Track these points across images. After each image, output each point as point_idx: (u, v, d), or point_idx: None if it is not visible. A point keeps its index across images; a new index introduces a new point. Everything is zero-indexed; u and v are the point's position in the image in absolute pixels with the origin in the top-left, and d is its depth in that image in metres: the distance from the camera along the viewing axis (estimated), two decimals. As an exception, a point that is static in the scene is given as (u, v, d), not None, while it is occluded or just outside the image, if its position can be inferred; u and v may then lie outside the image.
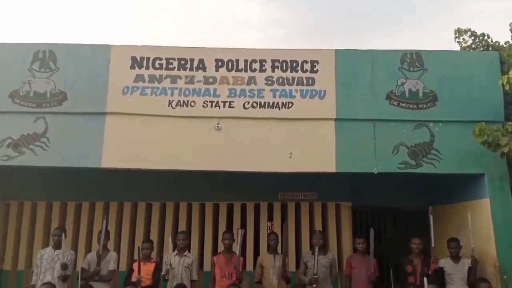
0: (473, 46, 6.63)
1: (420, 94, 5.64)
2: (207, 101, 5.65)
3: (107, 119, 5.61)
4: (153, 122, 5.61)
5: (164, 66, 5.73)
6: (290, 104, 5.61)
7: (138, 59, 5.73)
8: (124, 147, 5.52)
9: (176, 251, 5.38)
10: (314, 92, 5.61)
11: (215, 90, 5.67)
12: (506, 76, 5.02)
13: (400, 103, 5.61)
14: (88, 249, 6.45)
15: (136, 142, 5.54)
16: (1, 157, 5.44)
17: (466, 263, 5.19)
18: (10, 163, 5.47)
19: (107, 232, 5.65)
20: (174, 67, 5.73)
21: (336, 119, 5.57)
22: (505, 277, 4.61)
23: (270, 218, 6.97)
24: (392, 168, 5.48)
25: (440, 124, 5.58)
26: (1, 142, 5.46)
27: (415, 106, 5.61)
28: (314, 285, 5.18)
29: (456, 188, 6.15)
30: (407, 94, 5.63)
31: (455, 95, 5.64)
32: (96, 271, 5.28)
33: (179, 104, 5.64)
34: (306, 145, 5.55)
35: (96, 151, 5.49)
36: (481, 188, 5.52)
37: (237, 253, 5.18)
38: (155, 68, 5.73)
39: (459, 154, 5.49)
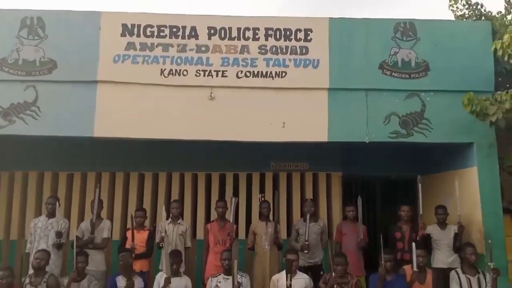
0: (467, 15, 6.63)
1: (413, 64, 5.66)
2: (199, 70, 5.60)
3: (99, 88, 5.55)
4: (145, 91, 5.56)
5: (155, 34, 5.64)
6: (284, 74, 5.59)
7: (129, 27, 5.63)
8: (116, 116, 5.49)
9: (170, 219, 5.44)
10: (307, 61, 5.60)
11: (207, 58, 5.61)
12: (499, 41, 5.05)
13: (393, 73, 5.63)
14: (81, 219, 6.48)
15: (128, 111, 5.50)
16: (-9, 126, 5.37)
17: (452, 229, 5.35)
18: (1, 132, 5.40)
19: (100, 201, 5.68)
20: (166, 35, 5.64)
21: (329, 89, 5.59)
22: (489, 241, 4.76)
23: (262, 188, 7.05)
24: (383, 138, 5.56)
25: (432, 93, 5.64)
26: (-10, 111, 5.38)
27: (407, 76, 5.64)
28: (306, 251, 5.32)
29: (445, 157, 6.27)
30: (399, 64, 5.65)
31: (447, 65, 5.67)
32: (90, 239, 5.32)
33: (171, 73, 5.58)
34: (299, 114, 5.57)
35: (88, 120, 5.45)
36: (470, 157, 5.64)
37: (231, 220, 5.26)
38: (147, 36, 5.64)
39: (450, 124, 5.58)
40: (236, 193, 6.73)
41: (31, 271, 4.70)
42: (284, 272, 4.57)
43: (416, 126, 5.58)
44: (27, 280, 4.51)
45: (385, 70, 5.65)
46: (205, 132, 5.54)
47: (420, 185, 5.41)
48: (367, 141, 5.52)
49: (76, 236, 5.19)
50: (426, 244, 5.26)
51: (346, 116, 5.56)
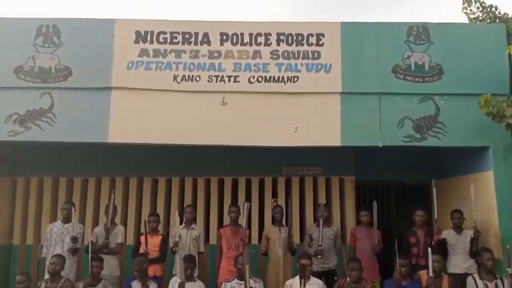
0: (480, 17, 6.57)
1: (426, 67, 5.63)
2: (212, 76, 5.64)
3: (113, 94, 5.62)
4: (158, 97, 5.61)
5: (168, 40, 5.70)
6: (296, 78, 5.60)
7: (143, 34, 5.70)
8: (130, 122, 5.54)
9: (183, 224, 5.46)
10: (319, 66, 5.60)
11: (220, 64, 5.65)
12: (513, 45, 5.00)
13: (406, 77, 5.60)
14: (96, 224, 6.54)
15: (142, 117, 5.56)
16: (8, 132, 5.47)
17: (468, 234, 5.28)
18: (17, 138, 5.50)
19: (115, 206, 5.73)
20: (179, 41, 5.69)
21: (341, 93, 5.58)
22: (507, 246, 4.68)
23: (275, 193, 7.04)
24: (396, 142, 5.52)
25: (446, 97, 5.59)
26: (7, 117, 5.47)
27: (420, 79, 5.60)
28: (319, 256, 5.28)
29: (460, 161, 6.20)
30: (413, 67, 5.62)
31: (461, 68, 5.63)
32: (105, 244, 5.37)
33: (184, 78, 5.63)
34: (311, 119, 5.57)
35: (102, 126, 5.52)
36: (485, 161, 5.57)
37: (244, 226, 5.26)
38: (160, 43, 5.70)
39: (464, 127, 5.52)
40: (248, 198, 6.73)
41: (47, 276, 4.75)
42: (297, 277, 4.55)
43: (430, 130, 5.53)
44: (43, 285, 4.56)
45: (398, 73, 5.62)
46: (218, 137, 5.57)
47: (434, 189, 5.35)
48: (381, 145, 5.49)
49: (91, 241, 5.24)
50: (442, 249, 5.20)
51: (359, 120, 5.54)
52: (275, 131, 5.56)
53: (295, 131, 5.56)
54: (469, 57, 5.65)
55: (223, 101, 5.59)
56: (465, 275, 4.98)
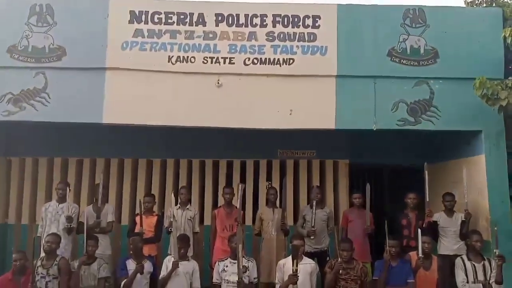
0: (477, 1, 6.54)
1: (422, 51, 5.63)
2: (207, 57, 5.61)
3: (107, 75, 5.59)
4: (153, 78, 5.59)
5: (163, 20, 5.65)
6: (291, 61, 5.59)
7: (137, 13, 5.64)
8: (125, 103, 5.53)
9: (178, 205, 5.50)
10: (315, 49, 5.58)
11: (215, 45, 5.62)
12: (509, 28, 4.99)
13: (401, 60, 5.61)
14: (91, 204, 6.57)
15: (137, 98, 5.55)
16: (1, 112, 5.45)
17: (459, 217, 5.37)
18: (11, 118, 5.48)
19: (104, 187, 5.74)
20: (174, 22, 5.64)
21: (337, 76, 5.58)
22: (495, 228, 4.77)
23: (269, 175, 7.09)
24: (391, 125, 5.55)
25: (441, 81, 5.61)
26: (1, 97, 5.45)
27: (416, 63, 5.61)
28: (312, 237, 5.37)
29: (452, 145, 6.25)
30: (408, 51, 5.62)
31: (457, 52, 5.64)
32: (96, 223, 5.41)
33: (179, 60, 5.60)
34: (306, 102, 5.58)
35: (97, 107, 5.50)
36: (478, 145, 5.63)
37: (238, 207, 5.31)
38: (154, 23, 5.65)
39: (458, 111, 5.56)
40: (243, 180, 6.78)
41: (42, 254, 4.80)
42: (290, 257, 4.61)
43: (424, 113, 5.56)
44: (39, 263, 4.60)
45: (393, 57, 5.62)
46: (212, 119, 5.57)
47: (426, 172, 5.40)
48: (375, 129, 5.52)
49: (80, 221, 5.27)
50: (433, 231, 5.28)
51: (353, 103, 5.55)
52: (270, 114, 5.57)
53: (290, 114, 5.57)
54: (465, 41, 5.65)
55: (218, 83, 5.58)
56: (455, 256, 5.07)
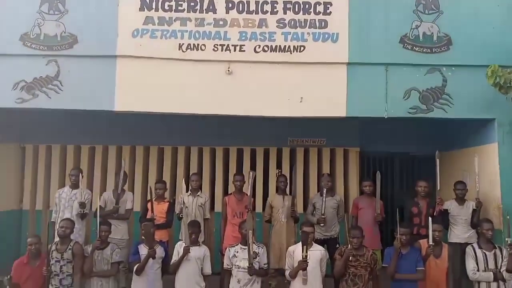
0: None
1: (434, 38, 5.54)
2: (217, 45, 5.59)
3: (118, 62, 5.60)
4: (163, 66, 5.60)
5: (173, 8, 5.62)
6: (302, 48, 5.55)
7: (147, 1, 5.63)
8: (136, 90, 5.56)
9: (189, 192, 5.55)
10: (326, 35, 5.53)
11: (225, 33, 5.59)
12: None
13: (414, 47, 5.53)
14: (103, 190, 6.66)
15: (147, 85, 5.56)
16: (15, 99, 5.51)
17: (470, 205, 5.34)
18: (24, 105, 5.54)
19: (125, 173, 5.83)
20: (184, 9, 5.62)
21: (348, 63, 5.53)
22: (508, 217, 4.74)
23: (279, 163, 7.11)
24: (402, 113, 5.50)
25: (453, 68, 5.53)
26: (15, 85, 5.51)
27: (428, 50, 5.53)
28: (322, 224, 5.40)
29: (464, 133, 6.20)
30: (421, 38, 5.54)
31: (470, 39, 5.54)
32: (114, 209, 5.51)
33: (189, 47, 5.59)
34: (317, 89, 5.55)
35: (109, 94, 5.53)
36: (490, 133, 5.56)
37: (249, 194, 5.34)
38: (165, 10, 5.63)
39: (471, 99, 5.49)
40: (253, 168, 6.82)
41: (57, 239, 4.90)
42: (300, 243, 4.65)
43: (437, 101, 5.50)
44: (53, 247, 4.70)
45: (406, 44, 5.55)
46: (223, 107, 5.58)
47: (438, 160, 5.38)
48: (386, 117, 5.48)
49: (99, 205, 5.36)
50: (443, 219, 5.27)
51: (365, 91, 5.50)
52: (280, 102, 5.55)
53: (301, 102, 5.55)
54: (479, 28, 5.54)
55: (229, 70, 5.56)
56: (465, 244, 5.06)
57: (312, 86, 5.54)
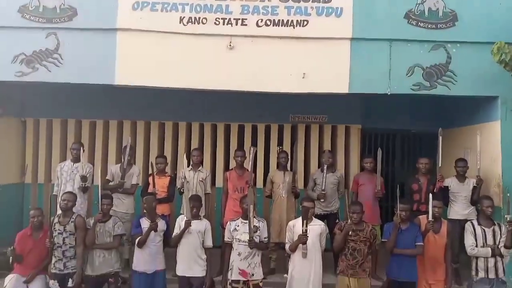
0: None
1: (440, 14, 5.46)
2: (219, 18, 5.51)
3: (118, 36, 5.54)
4: (164, 39, 5.53)
5: (174, -21, 5.52)
6: (305, 22, 5.47)
7: (148, -28, 5.52)
8: (137, 64, 5.51)
9: (190, 167, 5.57)
10: (330, 10, 5.44)
11: (227, 6, 5.50)
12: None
13: (419, 23, 5.45)
14: (104, 164, 6.73)
15: (148, 59, 5.51)
16: (15, 73, 5.47)
17: (471, 182, 5.35)
18: (24, 79, 5.50)
19: (132, 148, 5.82)
20: (185, -19, 5.51)
21: (352, 39, 5.45)
22: (508, 194, 4.75)
23: (280, 140, 7.11)
24: (405, 90, 5.46)
25: (458, 45, 5.46)
26: (14, 58, 5.46)
27: (433, 26, 5.45)
28: (322, 200, 5.43)
29: (467, 111, 6.17)
30: (426, 13, 5.45)
31: (476, 15, 5.46)
32: (120, 184, 5.53)
33: (190, 21, 5.51)
34: (319, 65, 5.49)
35: (109, 68, 5.49)
36: (493, 111, 5.54)
37: (249, 169, 5.35)
38: (165, -18, 5.52)
39: (475, 76, 5.44)
40: (254, 144, 6.81)
41: (59, 212, 4.93)
42: (300, 218, 4.69)
43: (440, 78, 5.45)
44: (56, 220, 4.73)
45: (410, 19, 5.46)
46: (224, 82, 5.53)
47: (440, 137, 5.37)
48: (389, 93, 5.44)
49: (107, 178, 5.37)
50: (443, 196, 5.29)
51: (368, 67, 5.45)
52: (283, 77, 5.51)
53: (303, 78, 5.50)
54: (485, 4, 5.46)
55: (230, 45, 5.49)
56: (464, 221, 5.08)
57: (315, 62, 5.49)
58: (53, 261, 4.66)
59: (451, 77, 5.47)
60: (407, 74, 5.45)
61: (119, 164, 5.76)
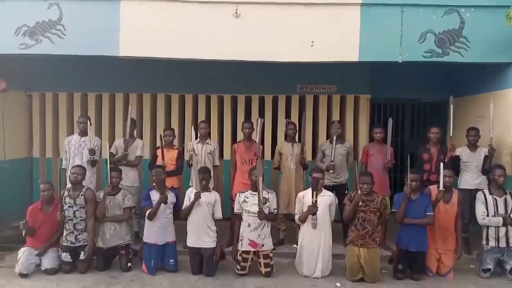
0: None
1: (454, -24, 5.23)
2: (224, -15, 5.33)
3: (122, 5, 5.38)
4: (169, 9, 5.36)
5: None
6: (314, -13, 5.27)
7: None
8: (141, 35, 5.37)
9: (198, 139, 5.53)
10: (339, -26, 5.24)
11: (233, -28, 5.31)
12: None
13: (432, -14, 5.24)
14: (112, 137, 6.70)
15: (152, 29, 5.37)
16: (18, 45, 5.37)
17: (482, 151, 5.27)
18: (28, 51, 5.40)
19: (133, 120, 5.79)
20: None
21: (362, 4, 5.26)
22: (521, 163, 4.69)
23: (288, 111, 7.02)
24: (417, 57, 5.30)
25: (472, 9, 5.25)
26: (17, 29, 5.34)
27: (447, -11, 5.24)
28: (331, 171, 5.40)
29: (480, 78, 6.02)
30: (439, -24, 5.23)
31: (492, -24, 5.22)
32: (123, 156, 5.51)
33: (195, -13, 5.34)
34: (328, 32, 5.32)
35: (113, 39, 5.35)
36: (506, 78, 5.39)
37: (257, 141, 5.31)
38: None
39: (488, 43, 5.26)
40: (262, 116, 6.73)
41: (69, 185, 4.96)
42: (309, 189, 4.68)
43: (453, 44, 5.27)
44: (66, 193, 4.77)
45: (423, -17, 5.25)
46: (230, 51, 5.39)
47: (452, 106, 5.26)
48: (400, 61, 5.28)
49: (110, 152, 5.36)
50: (454, 166, 5.23)
51: (378, 34, 5.27)
52: (291, 46, 5.36)
53: (312, 46, 5.35)
54: (500, -35, 5.21)
55: (236, 12, 5.34)
56: (475, 190, 5.06)
57: (324, 29, 5.32)
58: (64, 234, 4.73)
59: (464, 43, 5.29)
60: (419, 41, 5.27)
61: (123, 138, 5.73)
